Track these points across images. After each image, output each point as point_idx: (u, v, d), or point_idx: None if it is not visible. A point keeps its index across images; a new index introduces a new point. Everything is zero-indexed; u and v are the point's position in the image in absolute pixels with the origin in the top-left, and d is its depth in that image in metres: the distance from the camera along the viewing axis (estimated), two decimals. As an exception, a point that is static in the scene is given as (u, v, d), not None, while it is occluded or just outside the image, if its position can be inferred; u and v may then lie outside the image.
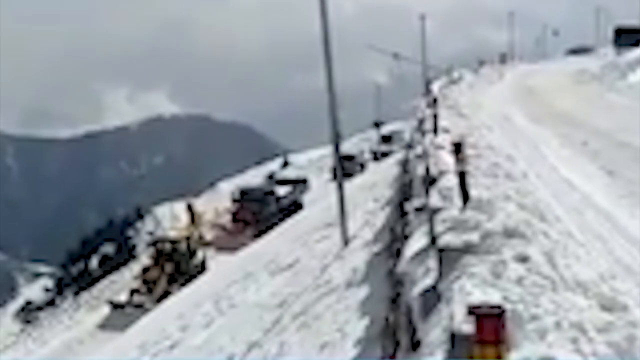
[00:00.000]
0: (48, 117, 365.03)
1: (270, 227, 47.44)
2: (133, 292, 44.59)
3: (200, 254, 47.98)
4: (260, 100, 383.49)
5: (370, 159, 71.35)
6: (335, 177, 57.73)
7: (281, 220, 49.36)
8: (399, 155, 50.53)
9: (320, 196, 55.50)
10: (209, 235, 54.10)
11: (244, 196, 56.97)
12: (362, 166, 67.85)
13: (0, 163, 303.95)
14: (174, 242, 46.70)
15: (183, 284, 41.69)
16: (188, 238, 47.45)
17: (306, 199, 60.48)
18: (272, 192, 57.56)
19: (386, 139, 78.57)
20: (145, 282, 44.18)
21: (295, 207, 56.33)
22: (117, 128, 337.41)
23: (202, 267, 46.54)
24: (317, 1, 24.34)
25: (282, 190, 58.75)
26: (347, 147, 79.93)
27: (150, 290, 43.35)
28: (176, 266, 44.86)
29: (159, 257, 45.30)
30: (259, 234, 47.48)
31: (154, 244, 48.51)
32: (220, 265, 43.52)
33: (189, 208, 52.79)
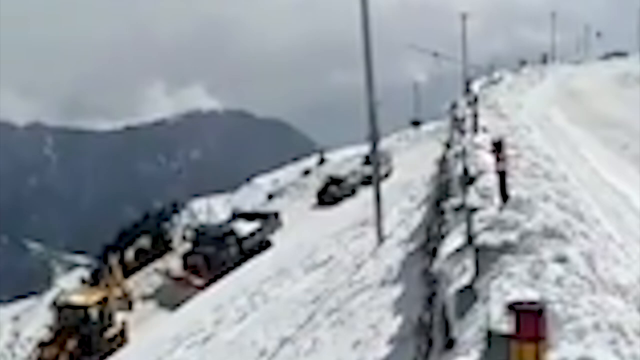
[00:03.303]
0: (87, 109, 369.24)
1: (226, 273, 42.51)
2: None
3: (119, 321, 36.67)
4: (297, 97, 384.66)
5: (358, 182, 58.68)
6: (320, 202, 55.46)
7: (242, 262, 44.04)
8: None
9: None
10: (149, 287, 46.17)
11: (198, 237, 47.54)
12: (353, 190, 57.11)
13: (40, 154, 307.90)
14: (81, 308, 34.87)
15: None
16: (101, 302, 35.47)
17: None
18: (232, 232, 46.53)
19: (370, 160, 66.92)
20: None
21: (261, 247, 46.92)
22: (155, 122, 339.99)
23: (121, 339, 36.21)
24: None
25: (245, 229, 47.59)
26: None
27: None
28: (83, 341, 34.19)
29: (61, 330, 34.43)
30: (210, 283, 41.55)
31: (57, 307, 35.87)
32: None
33: (105, 261, 42.03)
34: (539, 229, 7.77)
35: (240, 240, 45.89)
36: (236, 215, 54.28)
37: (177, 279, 43.80)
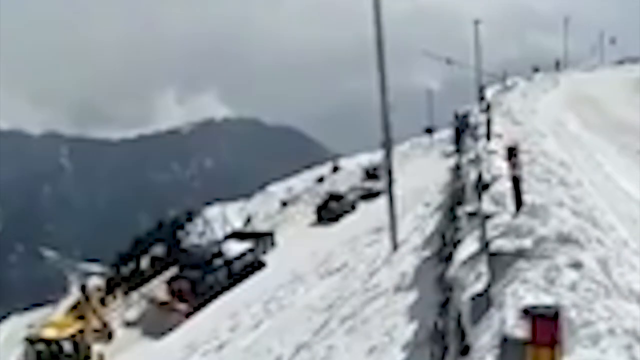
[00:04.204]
0: (101, 117, 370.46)
1: (214, 298, 40.19)
2: None
3: (96, 352, 34.06)
4: (310, 104, 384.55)
5: (357, 198, 57.96)
6: (320, 219, 54.05)
7: (231, 286, 41.60)
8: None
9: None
10: (131, 313, 43.23)
11: (184, 259, 45.05)
12: (353, 206, 56.01)
13: (54, 163, 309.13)
14: (54, 342, 32.22)
15: None
16: (76, 335, 32.69)
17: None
18: (219, 254, 43.39)
19: (371, 175, 64.29)
20: None
21: (254, 268, 44.24)
22: (169, 130, 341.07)
23: None
24: (371, 6, 24.42)
25: (234, 250, 44.57)
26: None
27: None
28: None
29: None
30: (197, 309, 39.32)
31: (29, 341, 33.23)
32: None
33: (82, 289, 38.69)
34: (554, 235, 7.77)
35: (229, 262, 43.12)
36: (228, 235, 52.02)
37: (162, 304, 41.11)
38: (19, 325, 53.62)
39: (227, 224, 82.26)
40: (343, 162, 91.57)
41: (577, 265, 6.85)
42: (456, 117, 67.08)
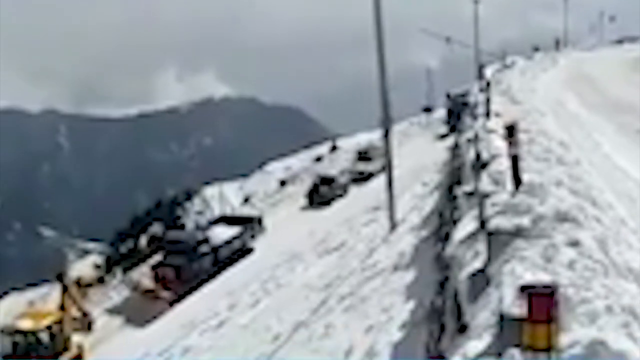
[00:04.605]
0: (99, 95, 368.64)
1: (200, 285, 39.09)
2: None
3: (75, 343, 32.53)
4: (309, 83, 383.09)
5: (349, 181, 55.26)
6: (311, 202, 52.02)
7: (218, 273, 40.42)
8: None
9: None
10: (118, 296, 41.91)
11: (168, 246, 42.41)
12: (345, 189, 53.66)
13: (53, 141, 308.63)
14: (31, 333, 30.65)
15: None
16: (52, 327, 31.04)
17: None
18: (205, 240, 41.67)
19: (363, 156, 60.48)
20: None
21: (241, 254, 42.81)
22: (168, 109, 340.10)
23: None
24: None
25: (221, 236, 42.95)
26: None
27: None
28: None
29: (10, 357, 30.34)
30: (182, 297, 38.11)
31: (5, 332, 31.15)
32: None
33: (59, 278, 35.54)
34: (552, 213, 7.77)
35: (215, 249, 41.53)
36: (215, 220, 49.06)
37: (146, 292, 39.57)
38: (17, 303, 53.80)
39: (225, 203, 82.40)
40: (342, 142, 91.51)
41: (575, 244, 6.85)
42: (448, 97, 66.85)
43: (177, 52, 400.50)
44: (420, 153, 54.74)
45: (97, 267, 59.58)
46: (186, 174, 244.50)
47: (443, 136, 61.61)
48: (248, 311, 25.10)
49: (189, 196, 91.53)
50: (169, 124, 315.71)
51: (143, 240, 56.62)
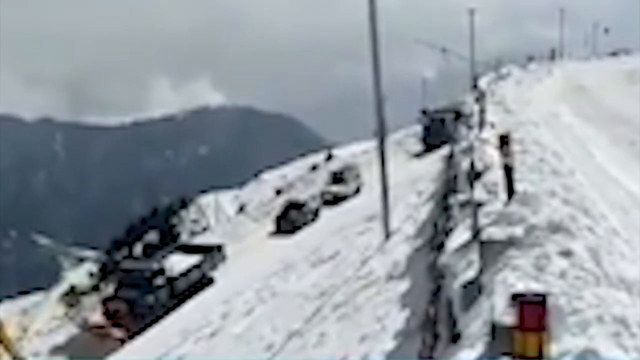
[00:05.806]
0: (95, 103, 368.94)
1: (155, 321, 35.61)
2: None
3: None
4: (304, 92, 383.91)
5: (319, 205, 52.48)
6: (279, 230, 49.28)
7: (175, 307, 37.23)
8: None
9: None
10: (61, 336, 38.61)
11: (122, 279, 39.12)
12: (316, 214, 50.71)
13: (48, 149, 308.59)
14: None
15: None
16: None
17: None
18: (161, 271, 38.42)
19: (338, 177, 57.49)
20: None
21: (200, 286, 39.92)
22: (163, 117, 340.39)
23: None
24: (366, -6, 24.33)
25: (179, 266, 39.80)
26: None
27: None
28: None
29: None
30: (135, 334, 34.78)
31: None
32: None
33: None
34: (545, 224, 7.81)
35: (171, 280, 38.63)
36: (175, 248, 45.77)
37: (95, 328, 36.44)
38: (13, 311, 53.66)
39: (220, 212, 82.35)
40: (338, 151, 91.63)
41: (567, 254, 6.89)
42: (424, 113, 66.23)
43: (172, 61, 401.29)
44: (416, 162, 54.67)
45: (92, 275, 59.51)
46: (182, 182, 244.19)
47: (417, 155, 60.83)
48: (241, 320, 25.09)
49: (184, 204, 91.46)
50: (164, 132, 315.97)
51: (138, 248, 56.44)
